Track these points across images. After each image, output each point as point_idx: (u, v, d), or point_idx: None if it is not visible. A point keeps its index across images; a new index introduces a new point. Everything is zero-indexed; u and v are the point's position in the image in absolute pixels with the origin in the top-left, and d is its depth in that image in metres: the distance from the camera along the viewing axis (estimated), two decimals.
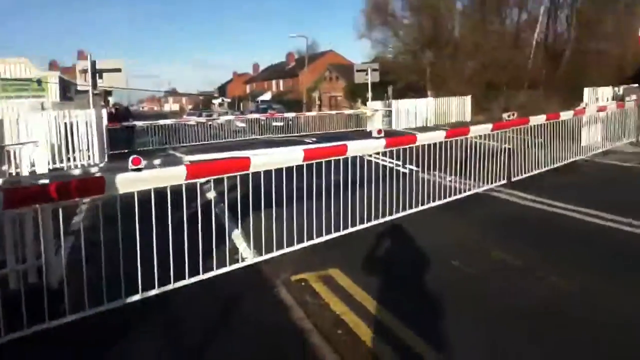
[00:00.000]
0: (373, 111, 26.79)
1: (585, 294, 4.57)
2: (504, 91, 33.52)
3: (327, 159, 6.46)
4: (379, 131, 8.09)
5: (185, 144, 22.43)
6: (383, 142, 7.31)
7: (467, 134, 8.87)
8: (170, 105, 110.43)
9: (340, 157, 6.60)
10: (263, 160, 5.93)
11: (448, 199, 8.23)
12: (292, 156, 6.22)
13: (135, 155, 4.93)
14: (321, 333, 4.01)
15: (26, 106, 14.90)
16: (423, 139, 8.07)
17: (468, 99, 29.60)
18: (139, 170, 4.76)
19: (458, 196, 8.43)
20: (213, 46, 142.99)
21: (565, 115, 11.53)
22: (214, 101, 67.94)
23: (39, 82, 23.60)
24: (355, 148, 6.96)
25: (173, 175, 4.99)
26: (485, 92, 32.91)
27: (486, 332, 3.97)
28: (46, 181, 4.84)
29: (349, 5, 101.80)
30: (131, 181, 4.65)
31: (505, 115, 10.07)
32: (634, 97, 14.64)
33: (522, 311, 4.29)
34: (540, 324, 4.04)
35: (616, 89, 16.54)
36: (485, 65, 33.26)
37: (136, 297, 4.70)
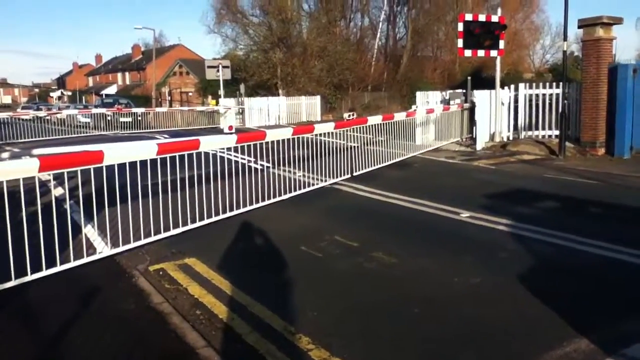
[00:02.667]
0: (226, 108, 26.97)
1: (400, 264, 5.42)
2: (349, 92, 35.60)
3: (181, 153, 6.75)
4: (230, 127, 8.53)
5: (23, 140, 20.72)
6: (234, 137, 7.73)
7: (312, 132, 9.65)
8: (1, 98, 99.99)
9: (194, 152, 6.91)
10: (117, 153, 6.04)
11: (297, 192, 8.91)
12: (146, 150, 6.40)
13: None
14: (181, 314, 4.33)
15: None
16: (272, 135, 8.62)
17: (317, 99, 31.01)
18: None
19: (306, 189, 9.16)
20: (50, 34, 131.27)
21: (399, 116, 12.88)
22: (52, 94, 62.85)
23: None
24: (208, 142, 7.29)
25: (25, 169, 4.96)
26: (333, 92, 34.69)
27: (331, 302, 4.59)
28: None
29: None
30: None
31: (346, 115, 11.08)
32: (457, 101, 16.64)
33: (358, 282, 5.00)
34: (366, 289, 4.78)
35: (444, 93, 18.61)
36: (332, 66, 34.97)
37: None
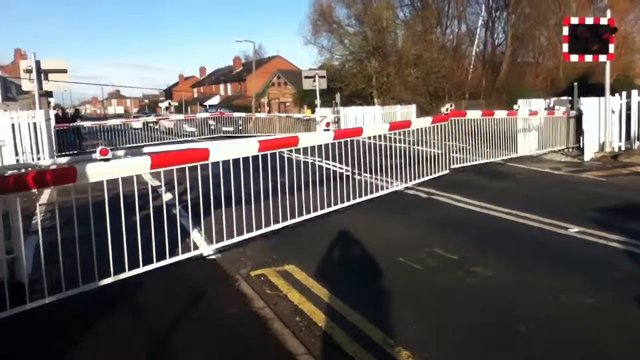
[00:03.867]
0: (322, 117, 27.41)
1: (504, 279, 5.19)
2: (446, 100, 34.91)
3: (279, 149, 7.17)
4: (327, 124, 8.54)
5: (134, 145, 22.28)
6: (332, 134, 7.76)
7: (409, 127, 9.53)
8: (115, 108, 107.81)
9: (293, 148, 7.11)
10: (222, 150, 6.29)
11: (381, 193, 8.89)
12: (248, 147, 6.61)
13: (103, 147, 5.23)
14: (281, 320, 4.42)
15: None
16: (368, 130, 8.56)
17: (413, 108, 30.68)
18: (106, 160, 5.05)
19: (387, 191, 9.07)
20: (158, 49, 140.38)
21: (500, 114, 12.50)
22: (160, 104, 66.91)
23: None
24: (307, 139, 7.39)
25: (138, 166, 5.29)
26: (429, 101, 34.21)
27: (430, 316, 4.50)
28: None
29: (295, 10, 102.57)
30: (100, 171, 4.94)
31: (443, 109, 10.91)
32: (563, 109, 15.81)
33: (459, 296, 4.86)
34: (467, 304, 4.62)
35: (547, 101, 17.77)
36: (428, 75, 34.52)
37: (107, 280, 5.02)
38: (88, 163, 4.98)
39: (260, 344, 4.04)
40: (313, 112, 28.78)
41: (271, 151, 6.84)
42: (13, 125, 13.37)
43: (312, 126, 27.76)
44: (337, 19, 41.70)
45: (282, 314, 4.56)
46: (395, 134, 10.40)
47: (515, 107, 16.97)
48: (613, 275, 5.33)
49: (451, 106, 10.86)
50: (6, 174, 5.16)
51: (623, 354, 3.73)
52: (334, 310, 4.63)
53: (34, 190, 4.79)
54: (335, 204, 8.05)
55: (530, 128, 14.53)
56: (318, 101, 27.93)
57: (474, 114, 11.56)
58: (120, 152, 6.41)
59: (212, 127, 26.49)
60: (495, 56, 40.32)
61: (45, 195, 9.88)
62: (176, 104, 68.16)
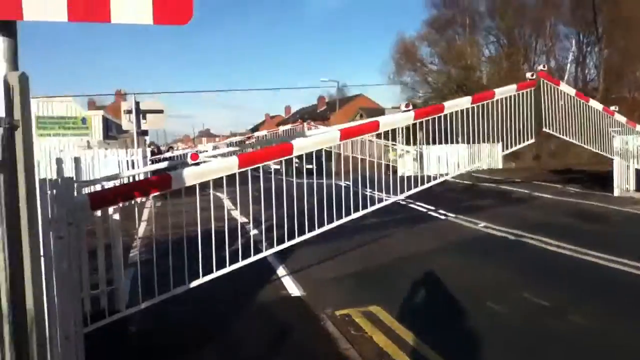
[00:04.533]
0: (403, 152, 27.33)
1: (604, 332, 4.89)
2: (535, 137, 33.65)
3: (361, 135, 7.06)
4: (407, 105, 8.24)
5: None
6: (412, 113, 7.57)
7: (493, 97, 9.13)
8: (205, 146, 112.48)
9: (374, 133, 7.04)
10: (304, 143, 6.45)
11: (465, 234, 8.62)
12: (330, 136, 6.74)
13: (193, 151, 5.48)
14: None
15: (73, 144, 15.94)
16: (449, 106, 8.25)
17: (499, 145, 29.79)
18: (197, 164, 5.29)
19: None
20: (245, 88, 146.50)
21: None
22: (247, 142, 69.23)
23: (84, 120, 24.88)
24: (387, 123, 7.30)
25: (227, 166, 5.50)
26: (516, 138, 33.15)
27: None
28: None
29: (379, 50, 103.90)
30: (192, 174, 5.16)
31: (528, 74, 10.18)
32: None
33: (553, 347, 4.63)
34: (564, 357, 4.40)
35: None
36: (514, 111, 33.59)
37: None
38: (181, 169, 5.25)
39: None
40: (396, 154, 28.62)
41: (352, 138, 6.84)
42: (119, 162, 14.39)
43: (394, 165, 27.66)
44: (420, 57, 41.83)
45: (367, 355, 4.55)
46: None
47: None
48: None
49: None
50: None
51: None
52: (419, 354, 4.56)
53: (136, 225, 5.12)
54: (420, 245, 7.93)
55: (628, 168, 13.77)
56: (401, 138, 27.86)
57: (568, 90, 10.85)
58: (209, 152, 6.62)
59: (297, 164, 27.11)
60: (587, 92, 38.63)
61: (141, 229, 10.48)
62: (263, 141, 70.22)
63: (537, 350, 4.63)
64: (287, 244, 6.32)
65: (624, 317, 5.34)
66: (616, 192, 14.13)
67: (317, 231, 6.50)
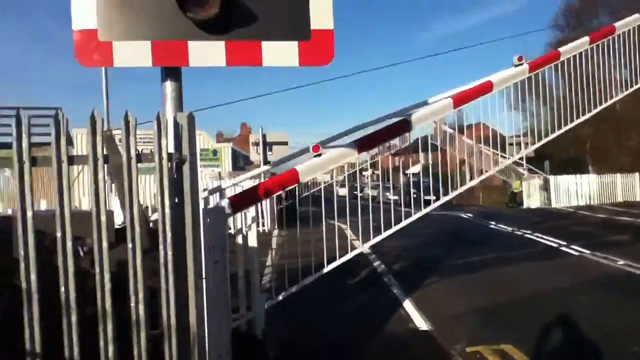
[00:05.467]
0: (526, 183, 26.21)
1: None
2: None
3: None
4: (520, 58, 7.35)
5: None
6: (526, 66, 7.06)
7: (614, 33, 8.04)
8: (323, 175, 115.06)
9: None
10: (419, 115, 6.22)
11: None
12: (441, 105, 6.42)
13: (315, 143, 5.61)
14: None
15: (206, 174, 17.10)
16: (566, 50, 7.65)
17: (636, 176, 27.51)
18: (319, 155, 5.45)
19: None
20: (362, 116, 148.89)
21: None
22: (364, 173, 69.83)
23: (215, 152, 26.56)
24: (500, 80, 6.85)
25: (346, 153, 5.65)
26: None
27: None
28: None
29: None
30: (315, 165, 5.38)
31: None
32: None
33: None
34: None
35: None
36: None
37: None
38: (305, 162, 5.47)
39: None
40: (521, 184, 27.44)
41: (467, 103, 6.53)
42: None
43: (519, 197, 26.59)
44: (544, 83, 40.06)
45: None
46: None
47: None
48: None
49: None
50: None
51: None
52: None
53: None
54: (552, 282, 7.50)
55: None
56: (524, 169, 26.70)
57: None
58: None
59: (415, 195, 26.81)
60: None
61: (269, 258, 10.93)
62: (379, 172, 70.61)
63: None
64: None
65: None
66: None
67: None
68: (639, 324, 6.24)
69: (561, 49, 7.46)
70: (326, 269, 5.67)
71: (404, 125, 6.02)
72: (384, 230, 6.24)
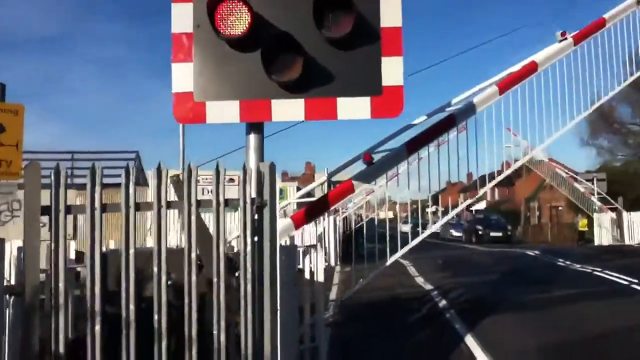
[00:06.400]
0: (598, 225, 25.28)
1: None
2: None
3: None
4: (563, 33, 6.95)
5: None
6: (570, 40, 6.73)
7: None
8: (386, 213, 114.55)
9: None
10: (465, 106, 6.20)
11: None
12: (488, 93, 6.33)
13: (366, 152, 5.80)
14: None
15: None
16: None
17: None
18: (370, 164, 5.62)
19: None
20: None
21: None
22: (427, 210, 69.09)
23: (281, 191, 27.29)
24: (545, 58, 6.61)
25: (396, 156, 5.75)
26: None
27: None
28: None
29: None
30: (368, 174, 5.53)
31: None
32: None
33: None
34: None
35: None
36: None
37: None
38: (359, 172, 5.67)
39: None
40: (585, 223, 26.56)
41: (513, 88, 6.32)
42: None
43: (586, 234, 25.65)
44: (619, 118, 38.73)
45: None
46: None
47: None
48: None
49: None
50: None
51: None
52: None
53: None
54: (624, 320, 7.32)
55: None
56: (596, 205, 25.80)
57: None
58: None
59: (480, 232, 26.41)
60: None
61: (333, 293, 11.16)
62: (442, 209, 69.68)
63: None
64: None
65: None
66: None
67: None
68: None
69: (605, 15, 7.04)
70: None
71: (449, 121, 5.97)
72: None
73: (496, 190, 71.41)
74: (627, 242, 23.99)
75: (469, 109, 6.07)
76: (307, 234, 14.51)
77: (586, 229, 26.01)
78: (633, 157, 37.35)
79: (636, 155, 36.91)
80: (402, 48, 3.01)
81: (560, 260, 16.38)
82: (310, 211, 5.26)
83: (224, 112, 3.05)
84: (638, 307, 8.98)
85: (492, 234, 26.75)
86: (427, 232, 7.01)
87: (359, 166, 5.80)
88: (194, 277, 2.89)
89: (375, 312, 8.91)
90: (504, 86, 6.29)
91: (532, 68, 6.47)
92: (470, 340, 6.97)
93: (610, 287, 11.19)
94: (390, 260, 6.25)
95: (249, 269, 2.92)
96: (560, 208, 52.58)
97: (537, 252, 20.22)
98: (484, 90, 6.32)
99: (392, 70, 3.00)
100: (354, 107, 3.03)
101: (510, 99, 6.49)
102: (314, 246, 6.29)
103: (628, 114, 38.40)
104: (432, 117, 6.15)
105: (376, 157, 5.64)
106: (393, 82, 3.01)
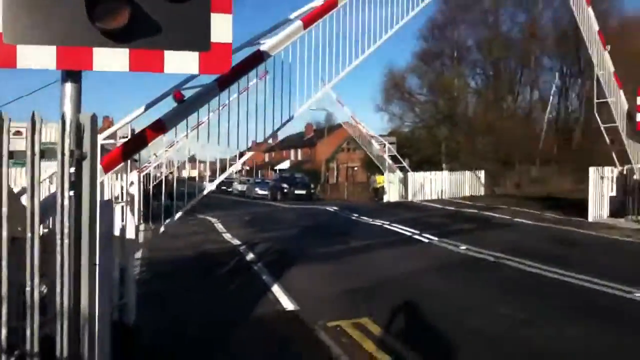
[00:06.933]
0: (389, 183, 28.09)
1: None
2: (516, 167, 34.75)
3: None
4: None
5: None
6: None
7: None
8: (189, 172, 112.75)
9: None
10: (273, 42, 6.17)
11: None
12: (293, 28, 6.42)
13: (175, 89, 5.61)
14: None
15: None
16: None
17: (482, 174, 30.72)
18: (182, 102, 5.43)
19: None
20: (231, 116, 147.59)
21: None
22: (231, 168, 69.65)
23: None
24: None
25: (207, 93, 5.57)
26: (499, 167, 34.14)
27: None
28: None
29: (367, 79, 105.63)
30: (177, 113, 5.25)
31: None
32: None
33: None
34: None
35: (621, 168, 17.67)
36: (499, 142, 34.65)
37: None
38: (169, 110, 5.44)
39: None
40: (383, 180, 29.42)
41: (316, 22, 6.49)
42: None
43: (379, 193, 28.39)
44: (409, 88, 42.99)
45: None
46: None
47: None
48: None
49: None
50: None
51: None
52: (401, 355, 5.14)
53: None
54: (406, 266, 8.51)
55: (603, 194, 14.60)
56: (387, 165, 28.63)
57: None
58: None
59: (286, 190, 27.67)
60: (569, 123, 39.91)
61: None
62: (248, 168, 70.85)
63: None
64: None
65: (576, 319, 5.97)
66: (590, 218, 14.88)
67: None
68: (475, 297, 7.37)
69: None
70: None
71: (258, 58, 5.99)
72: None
73: (299, 151, 74.83)
74: (409, 198, 27.17)
75: (276, 46, 6.16)
76: (117, 189, 13.88)
77: (383, 184, 28.82)
78: (418, 124, 41.92)
79: (421, 122, 41.49)
80: (231, 5, 3.09)
81: (355, 215, 18.05)
82: (127, 148, 4.89)
83: (39, 57, 2.87)
84: (418, 254, 10.45)
85: (296, 192, 28.24)
86: (211, 187, 7.20)
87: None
88: (5, 233, 2.75)
89: (184, 268, 9.05)
90: (308, 21, 6.49)
91: (333, 3, 6.81)
92: (276, 289, 7.52)
93: (396, 237, 12.76)
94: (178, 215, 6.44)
95: (66, 223, 2.85)
96: (355, 168, 57.18)
97: (335, 208, 21.92)
98: (290, 24, 6.41)
99: (220, 27, 3.08)
100: (182, 61, 3.06)
101: (313, 35, 6.70)
102: (125, 202, 6.19)
103: (416, 85, 42.80)
104: (240, 51, 5.99)
105: (187, 93, 5.36)
106: (222, 39, 3.10)
